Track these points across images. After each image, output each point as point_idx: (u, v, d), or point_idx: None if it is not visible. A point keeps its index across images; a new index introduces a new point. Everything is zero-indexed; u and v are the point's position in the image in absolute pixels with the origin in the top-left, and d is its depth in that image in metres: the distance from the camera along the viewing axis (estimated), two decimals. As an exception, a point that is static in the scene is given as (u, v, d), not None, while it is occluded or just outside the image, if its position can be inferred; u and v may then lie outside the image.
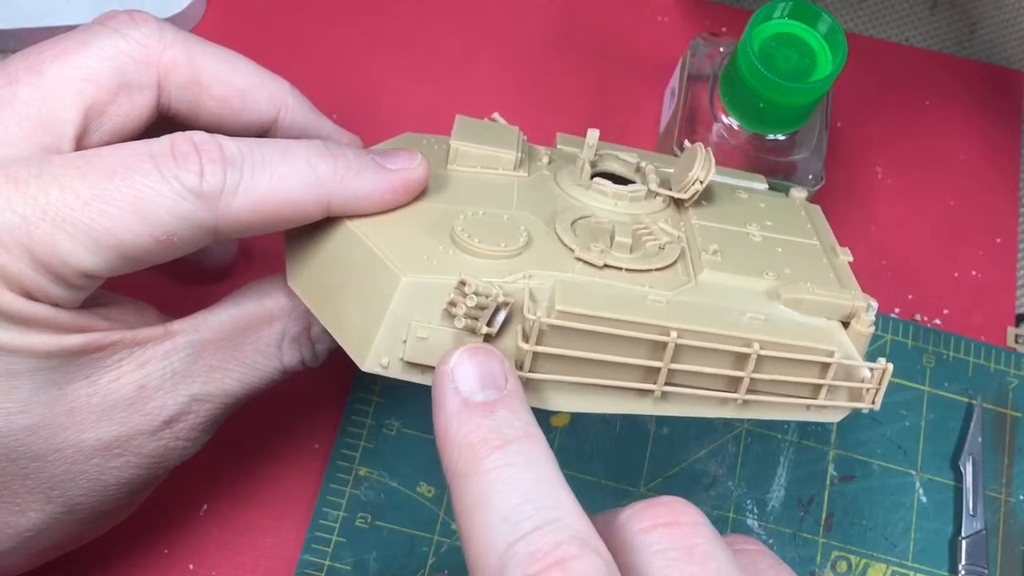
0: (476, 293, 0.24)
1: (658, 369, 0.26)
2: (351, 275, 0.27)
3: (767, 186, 0.35)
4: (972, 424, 0.41)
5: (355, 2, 0.46)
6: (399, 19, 0.46)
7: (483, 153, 0.31)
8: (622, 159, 0.32)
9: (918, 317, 0.43)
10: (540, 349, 0.25)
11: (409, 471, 0.38)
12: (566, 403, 0.26)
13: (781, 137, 0.38)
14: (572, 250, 0.27)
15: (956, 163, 0.47)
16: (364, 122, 0.44)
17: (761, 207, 0.33)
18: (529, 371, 0.25)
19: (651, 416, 0.40)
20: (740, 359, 0.26)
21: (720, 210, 0.32)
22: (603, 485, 0.39)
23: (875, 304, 0.28)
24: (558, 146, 0.34)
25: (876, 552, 0.39)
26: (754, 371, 0.26)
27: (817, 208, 0.34)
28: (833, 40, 0.36)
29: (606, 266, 0.27)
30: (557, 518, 0.21)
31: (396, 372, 0.26)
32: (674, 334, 0.25)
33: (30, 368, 0.25)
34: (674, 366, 0.26)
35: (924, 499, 0.40)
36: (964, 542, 0.39)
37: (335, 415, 0.38)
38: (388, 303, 0.25)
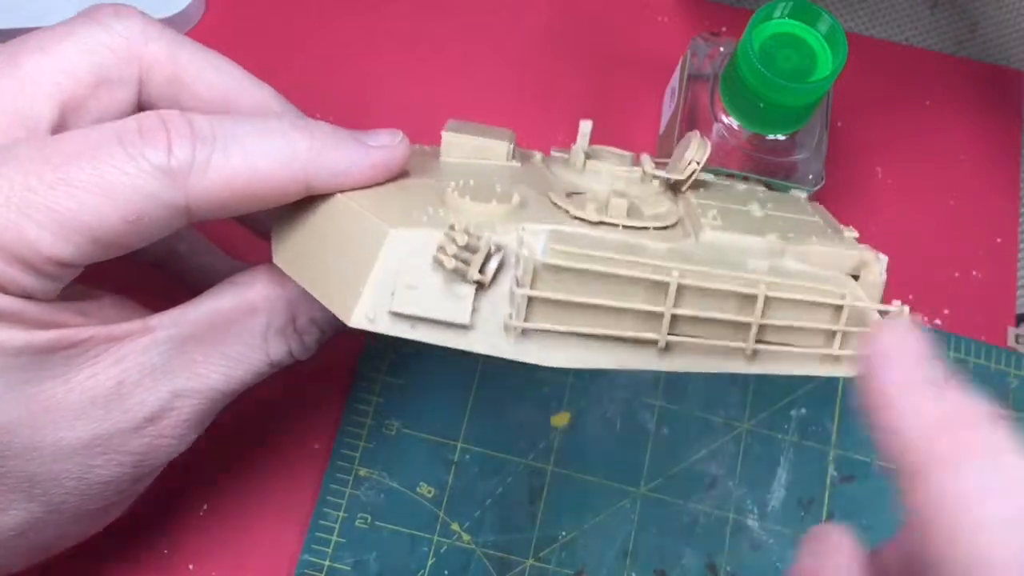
0: (467, 233, 0.23)
1: (660, 315, 0.24)
2: (336, 238, 0.26)
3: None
4: (972, 424, 0.41)
5: (354, 2, 0.46)
6: (398, 19, 0.46)
7: (475, 144, 0.31)
8: (617, 153, 0.32)
9: (918, 317, 0.43)
10: (534, 293, 0.24)
11: (409, 471, 0.38)
12: (564, 358, 0.25)
13: (781, 137, 0.38)
14: (567, 211, 0.27)
15: (956, 163, 0.47)
16: (363, 122, 0.44)
17: (760, 195, 0.32)
18: (524, 320, 0.24)
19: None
20: (746, 302, 0.25)
21: (719, 194, 0.31)
22: (603, 485, 0.39)
23: (884, 257, 0.27)
24: (552, 155, 0.34)
25: (876, 552, 0.39)
26: (762, 316, 0.25)
27: (819, 205, 0.34)
28: (833, 40, 0.36)
29: (601, 223, 0.26)
30: None
31: (384, 326, 0.24)
32: (675, 273, 0.24)
33: (0, 366, 0.24)
34: (676, 311, 0.24)
35: (924, 499, 0.40)
36: (964, 542, 0.39)
37: (335, 415, 0.38)
38: (375, 257, 0.24)
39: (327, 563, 0.36)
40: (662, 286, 0.24)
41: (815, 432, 0.40)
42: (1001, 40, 0.50)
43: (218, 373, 0.28)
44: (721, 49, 0.40)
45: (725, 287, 0.25)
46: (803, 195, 0.34)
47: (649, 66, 0.46)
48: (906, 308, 0.26)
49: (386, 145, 0.27)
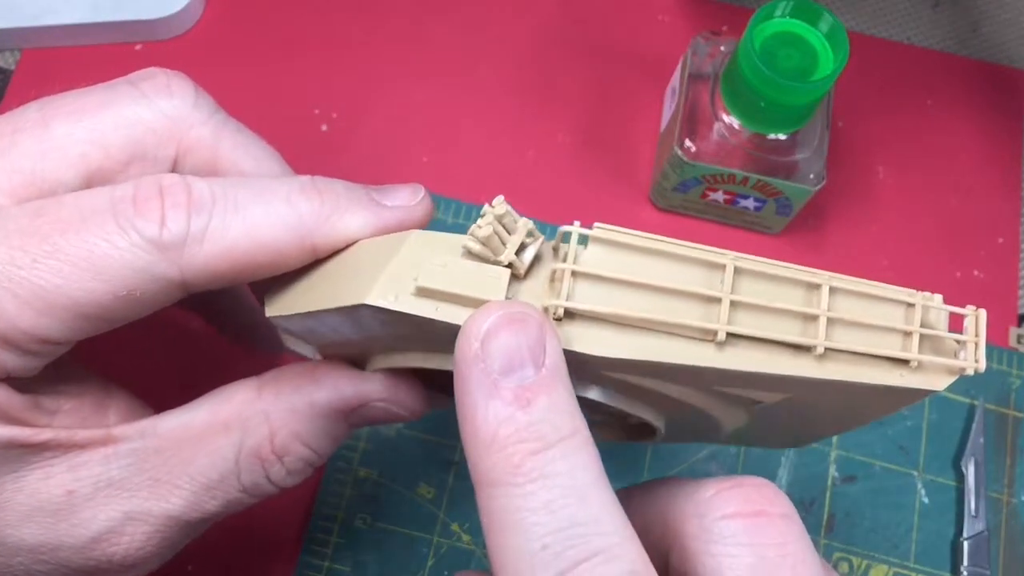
0: (505, 204, 0.22)
1: (718, 302, 0.22)
2: (345, 262, 0.24)
3: None
4: (974, 425, 0.41)
5: (354, 1, 0.46)
6: (399, 18, 0.46)
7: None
8: None
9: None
10: (579, 268, 0.22)
11: (409, 472, 0.38)
12: (609, 347, 0.22)
13: (782, 136, 0.38)
14: None
15: (958, 162, 0.46)
16: (362, 121, 0.44)
17: None
18: (567, 299, 0.22)
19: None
20: (810, 294, 0.23)
21: None
22: (603, 485, 0.38)
23: (939, 295, 0.24)
24: None
25: (878, 553, 0.39)
26: (829, 310, 0.23)
27: None
28: (834, 39, 0.36)
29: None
30: (606, 548, 0.19)
31: (406, 305, 0.22)
32: (731, 254, 0.22)
33: None
34: (735, 297, 0.22)
35: (926, 500, 0.40)
36: (966, 543, 0.39)
37: (335, 415, 0.38)
38: (395, 254, 0.22)
39: (327, 563, 0.36)
40: (717, 269, 0.22)
41: (816, 432, 0.40)
42: (1003, 39, 0.49)
43: (180, 498, 0.25)
44: (722, 48, 0.40)
45: (786, 274, 0.23)
46: None
47: (649, 66, 0.46)
48: (983, 311, 0.23)
49: (403, 206, 0.25)
